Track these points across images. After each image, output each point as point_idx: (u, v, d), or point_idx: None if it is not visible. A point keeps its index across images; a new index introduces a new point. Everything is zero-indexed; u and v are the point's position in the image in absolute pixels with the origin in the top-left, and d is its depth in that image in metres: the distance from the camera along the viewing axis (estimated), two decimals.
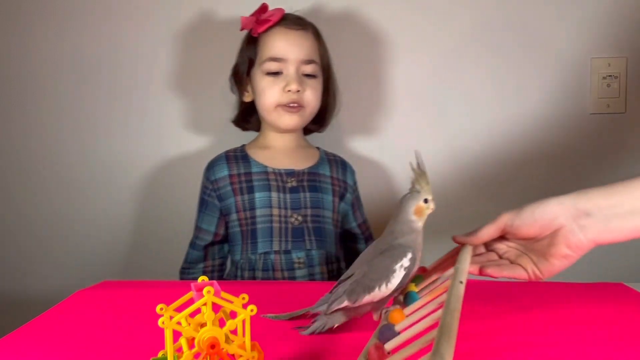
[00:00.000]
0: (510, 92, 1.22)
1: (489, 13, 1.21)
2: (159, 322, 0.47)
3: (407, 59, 1.23)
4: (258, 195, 1.04)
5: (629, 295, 0.77)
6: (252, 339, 0.50)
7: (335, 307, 0.61)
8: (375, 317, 0.63)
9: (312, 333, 0.62)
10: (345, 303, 0.61)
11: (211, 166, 1.10)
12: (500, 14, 1.21)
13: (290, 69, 1.03)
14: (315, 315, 0.65)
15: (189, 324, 0.49)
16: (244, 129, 1.17)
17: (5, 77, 1.28)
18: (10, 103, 1.28)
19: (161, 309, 0.47)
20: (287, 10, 1.08)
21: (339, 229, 1.10)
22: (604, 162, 1.22)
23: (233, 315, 0.50)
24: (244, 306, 0.49)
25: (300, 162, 1.09)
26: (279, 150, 1.10)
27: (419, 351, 0.45)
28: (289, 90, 1.03)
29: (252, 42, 1.07)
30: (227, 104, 1.19)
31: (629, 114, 1.21)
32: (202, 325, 0.49)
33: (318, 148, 1.15)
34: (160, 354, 0.53)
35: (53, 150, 1.29)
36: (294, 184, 1.06)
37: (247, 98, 1.11)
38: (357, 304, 0.60)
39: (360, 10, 1.22)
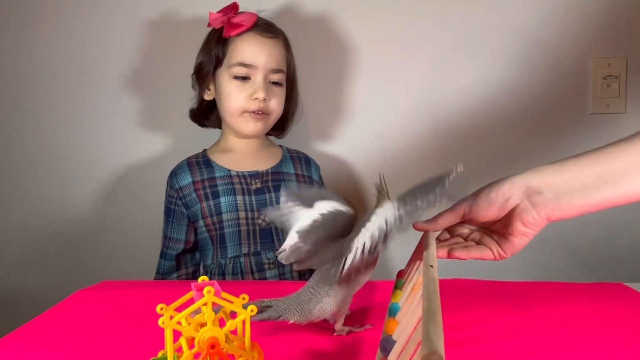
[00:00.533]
0: (510, 92, 1.22)
1: (488, 13, 1.21)
2: (159, 322, 0.47)
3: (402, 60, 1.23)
4: (223, 199, 1.05)
5: (629, 295, 0.77)
6: (252, 339, 0.50)
7: (287, 245, 0.63)
8: (337, 326, 0.64)
9: (262, 320, 0.60)
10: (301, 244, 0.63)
11: (174, 174, 1.10)
12: (500, 14, 1.21)
13: (258, 77, 1.04)
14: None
15: (189, 324, 0.49)
16: (203, 125, 1.17)
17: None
18: (10, 103, 1.28)
19: (161, 309, 0.47)
20: (255, 10, 1.09)
21: None
22: None
23: (233, 315, 0.50)
24: (244, 306, 0.49)
25: (264, 163, 1.10)
26: (242, 152, 1.10)
27: (416, 347, 0.45)
28: (256, 98, 1.04)
29: (220, 42, 1.07)
30: (189, 103, 1.18)
31: (629, 114, 1.21)
32: (202, 325, 0.49)
33: (281, 146, 1.17)
34: (160, 354, 0.53)
35: (53, 150, 1.29)
36: (259, 185, 1.07)
37: (209, 96, 1.11)
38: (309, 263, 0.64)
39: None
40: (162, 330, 0.48)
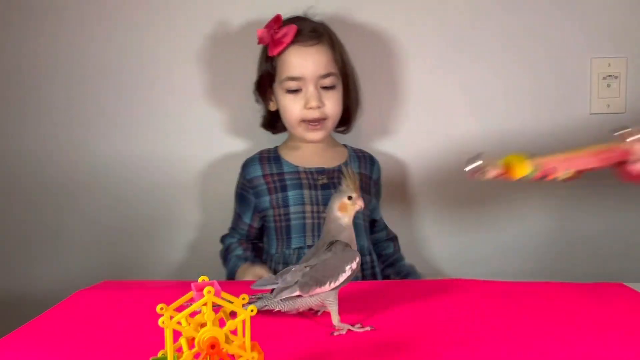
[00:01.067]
0: (510, 92, 1.22)
1: (488, 13, 1.21)
2: (159, 322, 0.47)
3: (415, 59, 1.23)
4: (291, 193, 1.08)
5: (629, 295, 0.77)
6: (252, 339, 0.50)
7: (285, 295, 0.66)
8: (334, 321, 0.66)
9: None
10: (297, 293, 0.66)
11: (246, 165, 1.14)
12: (500, 15, 1.21)
13: (309, 87, 1.06)
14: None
15: (189, 324, 0.49)
16: (273, 132, 1.20)
17: (18, 77, 1.28)
18: (11, 103, 1.28)
19: (161, 309, 0.47)
20: (305, 9, 1.10)
21: (365, 222, 1.13)
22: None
23: (233, 315, 0.50)
24: (244, 306, 0.49)
25: (330, 161, 1.12)
26: (309, 151, 1.13)
27: None
28: (310, 107, 1.06)
29: (269, 58, 1.09)
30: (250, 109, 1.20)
31: (629, 114, 1.21)
32: (202, 325, 0.49)
33: (345, 145, 1.18)
34: (160, 354, 0.53)
35: (53, 150, 1.29)
36: (325, 180, 1.09)
37: (272, 107, 1.14)
38: (308, 295, 0.66)
39: (364, 10, 1.22)
40: (162, 330, 0.48)
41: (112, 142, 1.28)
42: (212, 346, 0.47)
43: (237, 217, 1.15)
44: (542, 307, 0.72)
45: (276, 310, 0.67)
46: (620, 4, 1.18)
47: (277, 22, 1.08)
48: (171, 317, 0.47)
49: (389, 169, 1.24)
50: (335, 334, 0.65)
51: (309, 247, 1.05)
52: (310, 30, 1.08)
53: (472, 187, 1.20)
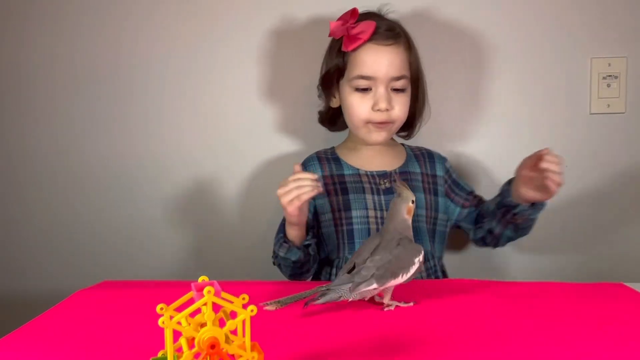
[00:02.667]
0: (510, 92, 1.22)
1: (488, 14, 1.21)
2: (159, 322, 0.47)
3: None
4: (352, 196, 1.05)
5: (629, 295, 0.77)
6: (252, 339, 0.50)
7: (363, 288, 0.70)
8: (386, 299, 0.73)
9: (326, 302, 0.69)
10: (374, 286, 0.70)
11: (304, 166, 1.10)
12: (500, 15, 1.21)
13: (379, 87, 1.01)
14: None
15: (189, 324, 0.49)
16: (332, 130, 1.17)
17: (23, 76, 1.28)
18: (12, 103, 1.28)
19: (161, 309, 0.47)
20: (378, 6, 1.07)
21: (433, 225, 1.08)
22: (604, 162, 1.22)
23: (233, 315, 0.50)
24: (244, 306, 0.49)
25: (391, 162, 1.09)
26: (369, 153, 1.10)
27: None
28: (379, 109, 1.01)
29: (340, 53, 1.04)
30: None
31: (629, 114, 1.21)
32: (202, 325, 0.49)
33: (402, 144, 1.15)
34: (160, 354, 0.53)
35: (54, 150, 1.29)
36: (388, 185, 1.06)
37: (335, 104, 1.10)
38: (383, 287, 0.71)
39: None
40: (162, 330, 0.48)
41: (126, 141, 1.28)
42: (212, 346, 0.47)
43: None
44: (542, 307, 0.72)
45: (350, 300, 0.71)
46: (620, 4, 1.18)
47: (354, 16, 1.02)
48: (171, 317, 0.47)
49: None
50: (386, 309, 0.72)
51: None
52: (387, 29, 1.03)
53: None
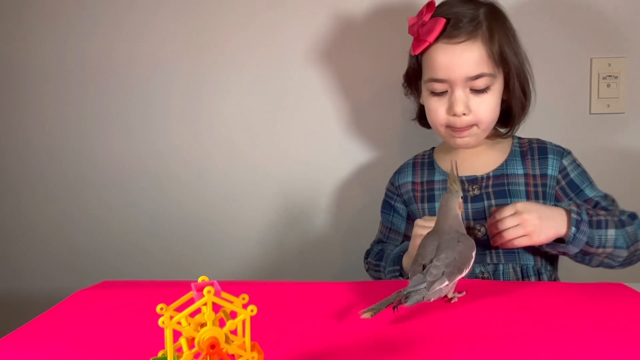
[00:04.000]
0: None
1: None
2: (159, 322, 0.47)
3: None
4: (438, 205, 0.95)
5: (629, 295, 0.77)
6: (252, 339, 0.50)
7: (437, 287, 0.70)
8: (450, 294, 0.74)
9: (415, 303, 0.69)
10: (446, 283, 0.70)
11: (398, 171, 1.08)
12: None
13: (456, 90, 0.91)
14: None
15: (189, 324, 0.49)
16: (427, 127, 1.06)
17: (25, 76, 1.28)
18: (12, 102, 1.28)
19: (161, 308, 0.47)
20: None
21: None
22: (604, 162, 1.22)
23: (233, 315, 0.50)
24: (244, 306, 0.49)
25: (486, 164, 0.99)
26: (465, 153, 1.00)
27: None
28: (455, 114, 0.92)
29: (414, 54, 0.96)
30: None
31: (629, 114, 1.21)
32: (202, 325, 0.49)
33: (513, 137, 1.03)
34: (160, 354, 0.53)
35: (53, 150, 1.29)
36: (476, 192, 0.96)
37: (423, 101, 1.02)
38: (452, 283, 0.73)
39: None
40: (162, 330, 0.48)
41: (126, 141, 1.28)
42: (212, 346, 0.47)
43: (385, 229, 1.07)
44: (542, 307, 0.72)
45: (432, 300, 0.72)
46: (620, 4, 1.18)
47: (429, 10, 0.92)
48: (171, 317, 0.47)
49: None
50: (452, 301, 0.74)
51: None
52: (461, 22, 0.90)
53: None
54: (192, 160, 1.27)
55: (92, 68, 1.26)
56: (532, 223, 0.85)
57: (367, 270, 1.09)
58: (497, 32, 0.92)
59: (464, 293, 0.76)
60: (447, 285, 0.71)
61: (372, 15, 1.22)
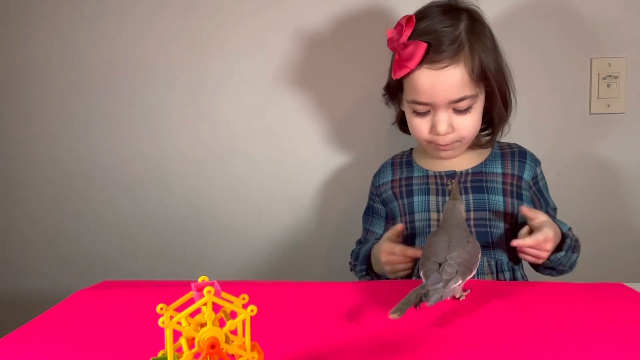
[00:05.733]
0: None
1: (488, 14, 1.21)
2: (159, 322, 0.47)
3: None
4: (417, 199, 1.00)
5: (629, 295, 0.77)
6: (252, 339, 0.50)
7: (452, 285, 0.70)
8: (458, 293, 0.74)
9: (435, 302, 0.68)
10: (459, 282, 0.71)
11: (378, 172, 1.09)
12: (500, 14, 1.21)
13: (438, 111, 0.92)
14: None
15: (189, 324, 0.49)
16: (408, 133, 1.07)
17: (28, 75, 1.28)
18: (15, 102, 1.28)
19: (161, 309, 0.47)
20: None
21: (516, 230, 0.95)
22: (604, 162, 1.22)
23: (233, 315, 0.50)
24: (244, 306, 0.49)
25: (466, 162, 1.01)
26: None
27: None
28: (438, 134, 0.93)
29: None
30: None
31: (629, 114, 1.21)
32: (202, 325, 0.49)
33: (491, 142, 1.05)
34: (160, 354, 0.53)
35: (54, 150, 1.29)
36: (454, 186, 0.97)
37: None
38: (465, 281, 0.73)
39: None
40: (162, 330, 0.48)
41: (126, 141, 1.28)
42: (212, 346, 0.47)
43: (366, 231, 1.09)
44: (542, 307, 0.72)
45: (449, 298, 0.73)
46: (620, 4, 1.18)
47: (409, 26, 0.90)
48: (171, 317, 0.47)
49: None
50: (460, 299, 0.75)
51: None
52: (443, 44, 0.88)
53: None
54: (193, 159, 1.27)
55: (95, 68, 1.26)
56: (547, 249, 0.87)
57: (351, 270, 1.11)
58: (478, 48, 0.92)
59: (469, 291, 0.77)
60: (460, 284, 0.71)
61: (358, 17, 1.22)
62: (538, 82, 1.22)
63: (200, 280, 0.52)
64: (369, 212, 1.10)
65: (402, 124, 1.06)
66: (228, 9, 1.23)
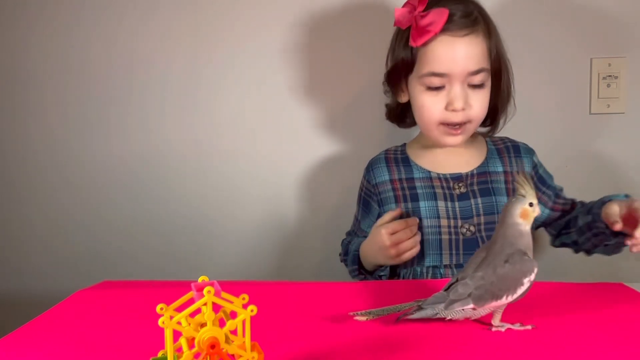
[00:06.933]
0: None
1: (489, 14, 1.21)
2: (159, 322, 0.47)
3: None
4: (423, 204, 0.95)
5: (629, 295, 0.77)
6: (252, 339, 0.50)
7: (458, 307, 0.63)
8: (495, 322, 0.65)
9: (421, 318, 0.64)
10: (471, 306, 0.63)
11: (371, 168, 1.03)
12: (500, 15, 1.20)
13: (455, 85, 0.90)
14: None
15: (189, 324, 0.49)
16: (401, 126, 1.07)
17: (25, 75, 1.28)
18: (11, 102, 1.28)
19: (161, 309, 0.47)
20: None
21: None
22: (604, 162, 1.22)
23: (233, 315, 0.50)
24: (244, 306, 0.49)
25: (467, 162, 0.98)
26: (443, 152, 0.99)
27: None
28: (453, 110, 0.90)
29: (408, 45, 0.92)
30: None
31: (629, 114, 1.21)
32: (202, 325, 0.49)
33: (483, 135, 1.03)
34: (160, 354, 0.53)
35: (53, 149, 1.29)
36: (463, 190, 0.95)
37: (403, 99, 0.99)
38: (481, 308, 0.64)
39: None
40: (162, 330, 0.48)
41: (126, 140, 1.28)
42: (212, 346, 0.47)
43: (357, 222, 1.05)
44: (542, 307, 0.72)
45: (448, 319, 0.65)
46: (620, 4, 1.18)
47: (422, 2, 0.89)
48: (171, 317, 0.47)
49: None
50: (494, 329, 0.65)
51: (446, 266, 0.93)
52: (462, 15, 0.89)
53: None
54: (192, 158, 1.27)
55: (92, 67, 1.26)
56: None
57: (341, 262, 1.08)
58: (493, 30, 0.93)
59: (529, 327, 0.65)
60: (472, 308, 0.64)
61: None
62: (538, 82, 1.21)
63: (200, 280, 0.52)
64: (363, 207, 1.04)
65: (395, 114, 1.05)
66: (225, 5, 1.23)
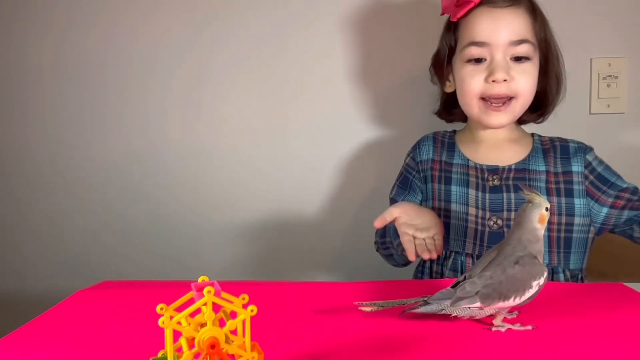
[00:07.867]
0: None
1: None
2: (159, 322, 0.47)
3: None
4: (455, 188, 0.95)
5: (629, 295, 0.77)
6: (252, 339, 0.50)
7: (464, 304, 0.63)
8: (496, 321, 0.65)
9: (426, 313, 0.64)
10: (477, 304, 0.63)
11: (418, 145, 1.03)
12: None
13: (496, 55, 0.87)
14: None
15: (189, 324, 0.49)
16: (448, 121, 1.06)
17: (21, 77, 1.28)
18: (9, 102, 1.28)
19: (161, 309, 0.47)
20: None
21: (563, 233, 0.92)
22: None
23: (233, 315, 0.50)
24: (244, 306, 0.49)
25: (509, 157, 0.96)
26: (487, 143, 0.97)
27: None
28: (494, 81, 0.87)
29: (451, 28, 0.93)
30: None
31: (629, 114, 1.21)
32: (202, 325, 0.49)
33: (533, 135, 1.01)
34: (160, 354, 0.53)
35: (52, 150, 1.29)
36: (496, 182, 0.93)
37: (449, 88, 0.98)
38: (487, 307, 0.64)
39: None
40: (162, 330, 0.48)
41: (126, 140, 1.28)
42: (212, 346, 0.47)
43: (391, 203, 1.01)
44: (543, 307, 0.72)
45: (453, 315, 0.65)
46: (620, 4, 1.18)
47: None
48: (171, 317, 0.47)
49: None
50: (494, 329, 0.64)
51: (467, 255, 0.92)
52: None
53: None
54: (191, 159, 1.27)
55: (90, 67, 1.26)
56: None
57: (377, 251, 1.07)
58: (538, 12, 0.92)
59: (530, 327, 0.65)
60: (478, 307, 0.64)
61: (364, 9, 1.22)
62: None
63: (200, 280, 0.52)
64: (405, 186, 1.02)
65: (445, 108, 1.04)
66: (225, 5, 1.23)
